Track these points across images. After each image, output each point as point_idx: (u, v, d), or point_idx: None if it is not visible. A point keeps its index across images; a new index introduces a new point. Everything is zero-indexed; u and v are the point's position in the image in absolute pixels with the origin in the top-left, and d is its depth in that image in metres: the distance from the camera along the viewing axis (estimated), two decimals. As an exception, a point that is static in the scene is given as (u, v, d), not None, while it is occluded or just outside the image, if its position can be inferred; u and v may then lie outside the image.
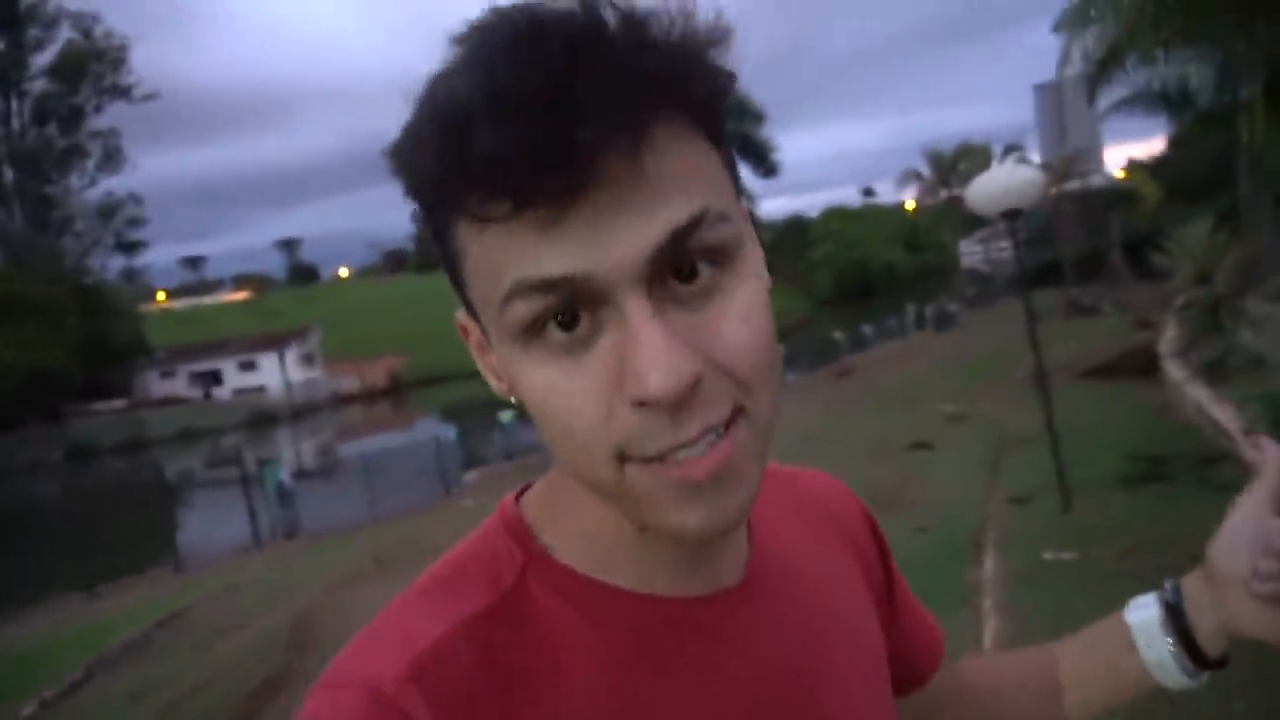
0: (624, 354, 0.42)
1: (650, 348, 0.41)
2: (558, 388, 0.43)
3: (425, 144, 0.42)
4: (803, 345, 28.21)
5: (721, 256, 0.44)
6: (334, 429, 38.48)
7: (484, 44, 0.41)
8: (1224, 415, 7.54)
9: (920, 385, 14.79)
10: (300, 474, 20.77)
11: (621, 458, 0.43)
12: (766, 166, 23.21)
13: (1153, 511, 5.43)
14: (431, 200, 0.45)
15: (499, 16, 0.42)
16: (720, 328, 0.44)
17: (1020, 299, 6.99)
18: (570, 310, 0.42)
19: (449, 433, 19.75)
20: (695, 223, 0.42)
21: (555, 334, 0.43)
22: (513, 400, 0.49)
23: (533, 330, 0.43)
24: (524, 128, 0.38)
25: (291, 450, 32.57)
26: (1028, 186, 5.70)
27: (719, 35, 0.43)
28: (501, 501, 0.55)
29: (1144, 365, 11.54)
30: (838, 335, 25.98)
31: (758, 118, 22.98)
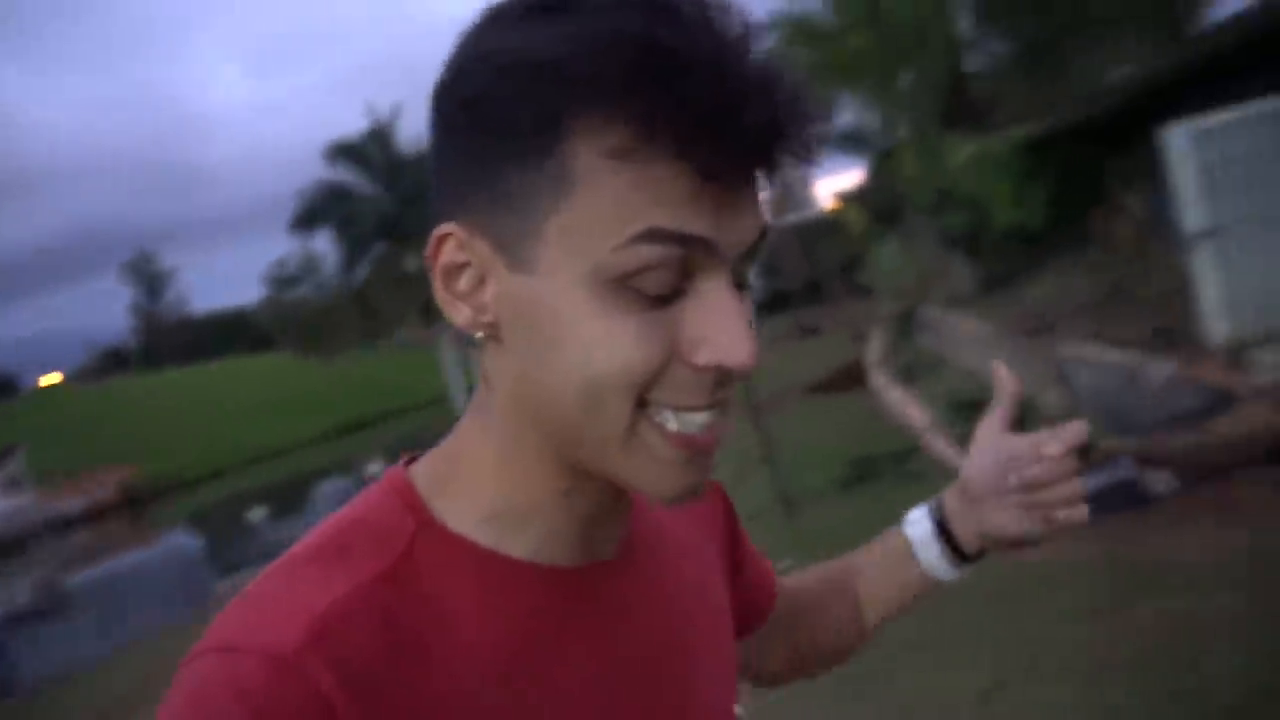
0: (706, 323, 0.45)
1: (741, 325, 0.45)
2: (626, 340, 0.44)
3: (656, 76, 0.41)
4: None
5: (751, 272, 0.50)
6: (56, 558, 33.61)
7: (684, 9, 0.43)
8: (913, 414, 8.67)
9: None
10: (14, 618, 17.97)
11: (640, 405, 0.46)
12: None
13: (861, 509, 6.12)
14: (584, 115, 0.43)
15: None
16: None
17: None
18: (677, 270, 0.45)
19: (193, 544, 18.01)
20: (767, 229, 0.48)
21: (651, 286, 0.44)
22: (479, 336, 0.49)
23: (632, 277, 0.44)
24: (774, 116, 0.43)
25: (1, 593, 28.02)
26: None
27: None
28: (389, 470, 0.55)
29: (858, 376, 12.93)
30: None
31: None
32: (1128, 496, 4.18)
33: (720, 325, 0.45)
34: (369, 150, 23.36)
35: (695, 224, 0.43)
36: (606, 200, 0.43)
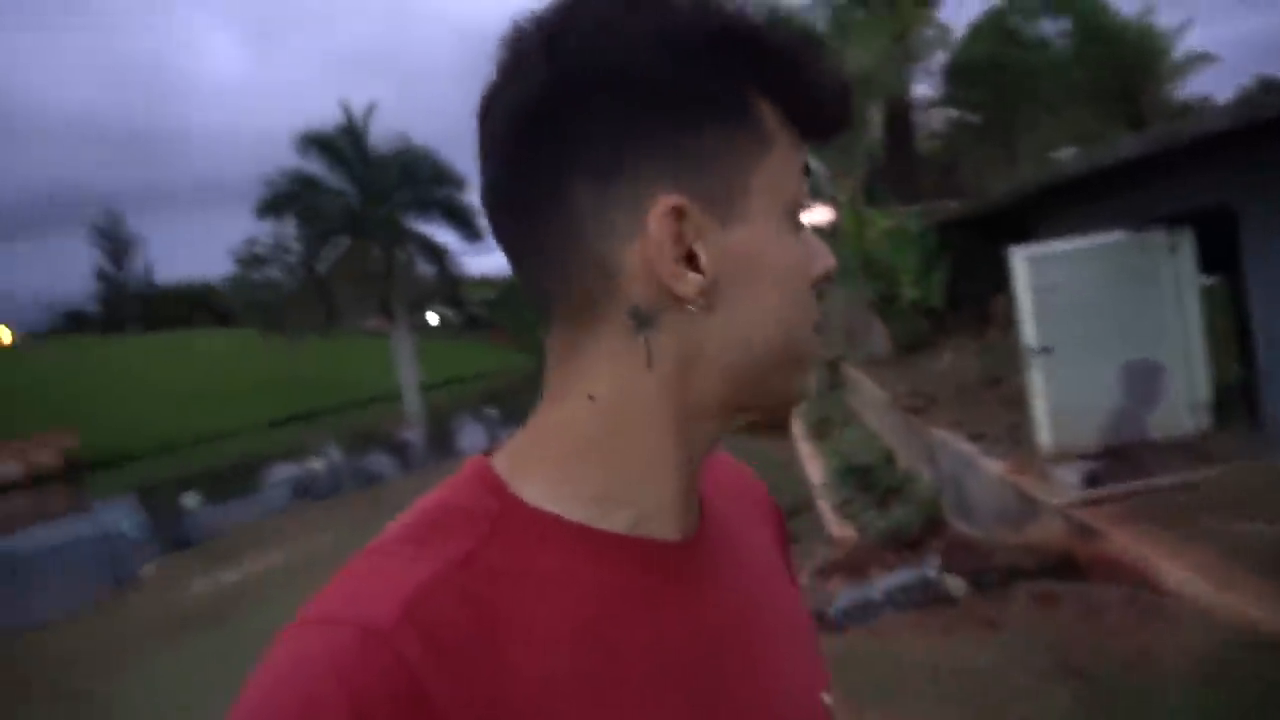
0: (808, 240, 0.56)
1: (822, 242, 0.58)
2: (803, 256, 0.55)
3: (815, 64, 0.54)
4: (527, 403, 28.78)
5: None
6: (-13, 523, 33.09)
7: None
8: (812, 470, 8.98)
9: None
10: (-71, 586, 17.77)
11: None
12: (471, 231, 23.74)
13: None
14: (785, 92, 0.54)
15: None
16: None
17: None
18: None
19: (123, 521, 17.92)
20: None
21: (803, 212, 0.56)
22: (700, 300, 0.51)
23: (798, 207, 0.55)
24: (845, 86, 0.56)
25: (-76, 554, 27.54)
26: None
27: None
28: (469, 459, 0.57)
29: (786, 422, 13.24)
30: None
31: (459, 183, 23.47)
32: (927, 594, 4.54)
33: (814, 239, 0.56)
34: (340, 144, 23.43)
35: (811, 159, 0.56)
36: (789, 150, 0.54)
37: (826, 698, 0.63)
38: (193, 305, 68.91)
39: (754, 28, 0.52)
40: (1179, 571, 3.74)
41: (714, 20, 0.51)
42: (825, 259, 0.56)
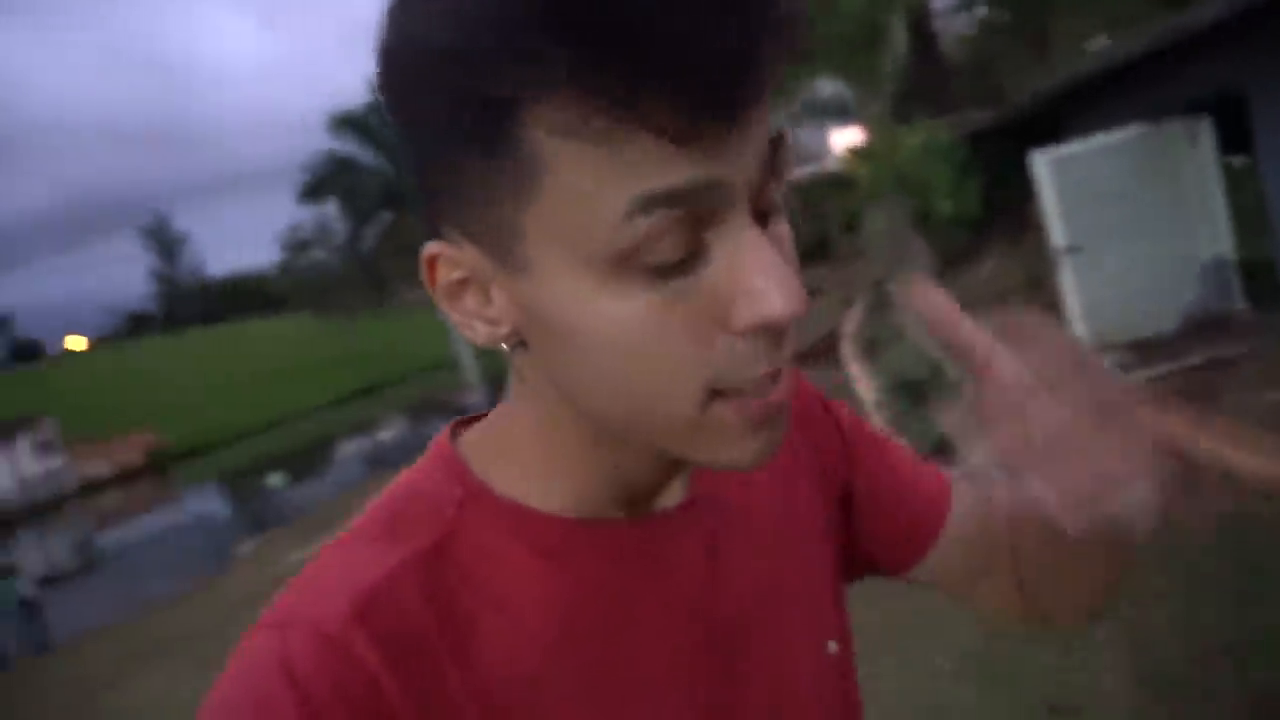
0: (735, 277, 0.39)
1: (774, 267, 0.39)
2: (651, 320, 0.39)
3: (574, 33, 0.34)
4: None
5: (783, 188, 0.43)
6: (88, 520, 35.13)
7: None
8: (863, 390, 9.25)
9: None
10: (49, 579, 19.17)
11: (712, 393, 0.41)
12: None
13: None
14: (520, 97, 0.36)
15: None
16: (788, 259, 0.42)
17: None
18: (687, 228, 0.38)
19: (216, 506, 19.01)
20: (783, 137, 0.41)
21: (663, 254, 0.38)
22: (504, 347, 0.46)
23: (634, 255, 0.38)
24: (727, 39, 0.35)
25: (38, 553, 29.51)
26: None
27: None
28: (434, 440, 0.53)
29: (836, 346, 13.37)
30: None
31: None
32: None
33: (751, 274, 0.39)
34: (370, 121, 23.71)
35: (688, 172, 0.37)
36: (580, 180, 0.37)
37: (833, 645, 0.60)
38: (246, 295, 70.76)
39: (518, 27, 0.35)
40: (1207, 441, 3.98)
41: (470, 22, 0.36)
42: (753, 307, 0.39)
